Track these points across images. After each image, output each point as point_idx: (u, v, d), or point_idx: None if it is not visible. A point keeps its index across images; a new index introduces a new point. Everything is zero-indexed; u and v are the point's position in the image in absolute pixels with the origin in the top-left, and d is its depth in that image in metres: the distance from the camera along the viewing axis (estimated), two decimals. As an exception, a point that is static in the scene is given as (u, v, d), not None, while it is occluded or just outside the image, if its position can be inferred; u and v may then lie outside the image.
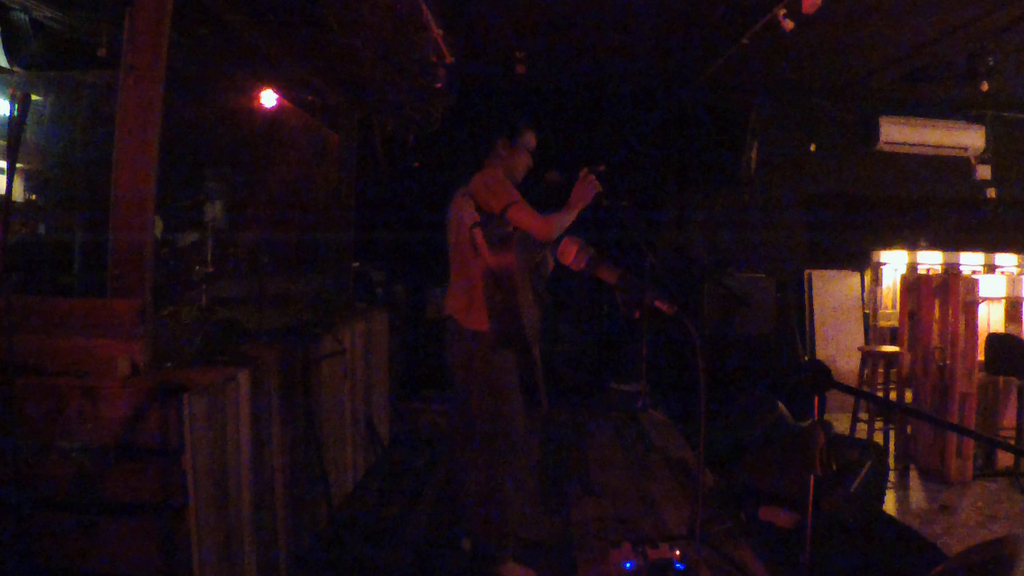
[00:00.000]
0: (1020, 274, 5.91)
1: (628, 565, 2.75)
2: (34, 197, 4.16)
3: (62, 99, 4.15)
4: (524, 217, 2.75)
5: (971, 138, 7.00)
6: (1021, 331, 4.89)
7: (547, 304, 3.23)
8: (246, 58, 4.13)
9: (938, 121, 6.96)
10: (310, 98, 4.79)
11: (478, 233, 2.79)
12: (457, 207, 2.89)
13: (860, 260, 6.92)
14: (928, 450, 4.69)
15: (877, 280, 6.74)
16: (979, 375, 4.63)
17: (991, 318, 4.86)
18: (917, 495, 4.39)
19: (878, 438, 5.05)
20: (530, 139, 3.02)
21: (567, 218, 2.81)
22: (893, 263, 6.72)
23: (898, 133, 6.90)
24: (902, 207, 7.12)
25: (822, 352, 6.79)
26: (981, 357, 4.63)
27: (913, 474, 4.72)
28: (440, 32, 4.09)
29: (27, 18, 4.05)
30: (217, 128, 4.55)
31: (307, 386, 3.00)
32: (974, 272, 6.44)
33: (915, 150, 7.05)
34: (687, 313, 2.21)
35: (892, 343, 6.05)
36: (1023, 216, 7.15)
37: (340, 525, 3.30)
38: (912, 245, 6.83)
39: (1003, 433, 4.74)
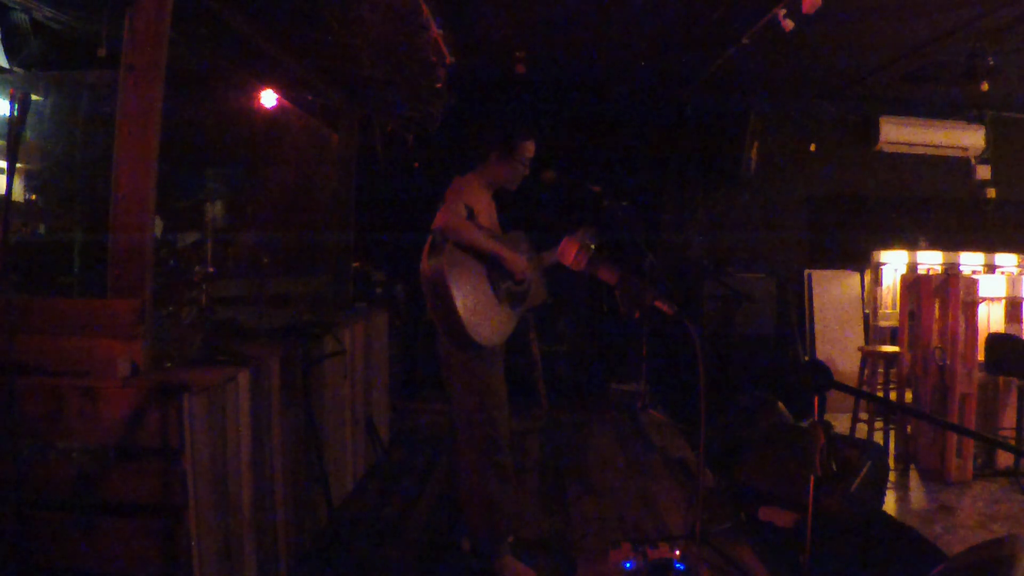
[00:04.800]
0: (1020, 274, 5.90)
1: (628, 565, 2.75)
2: (34, 197, 4.16)
3: (62, 99, 4.14)
4: (440, 212, 2.72)
5: (971, 138, 7.00)
6: (1021, 331, 4.88)
7: (544, 306, 3.22)
8: (246, 58, 4.13)
9: (938, 121, 6.96)
10: (310, 98, 4.79)
11: (429, 239, 2.81)
12: None
13: (860, 260, 6.92)
14: (928, 450, 4.69)
15: (877, 280, 6.74)
16: (979, 375, 4.62)
17: (991, 318, 4.86)
18: (917, 495, 4.39)
19: (878, 438, 5.05)
20: (527, 149, 2.99)
21: (484, 245, 2.76)
22: (893, 263, 6.72)
23: (898, 133, 6.90)
24: (902, 207, 7.12)
25: (822, 352, 6.79)
26: (981, 357, 4.63)
27: (913, 474, 4.71)
28: (440, 32, 4.09)
29: (27, 18, 4.05)
30: (217, 128, 4.55)
31: (307, 386, 3.00)
32: (974, 272, 6.44)
33: (915, 150, 7.05)
34: (687, 313, 2.21)
35: (892, 343, 6.04)
36: (1023, 216, 7.15)
37: (340, 525, 3.30)
38: (912, 245, 6.83)
39: (1003, 433, 4.74)
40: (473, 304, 2.71)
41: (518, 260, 2.85)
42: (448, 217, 2.71)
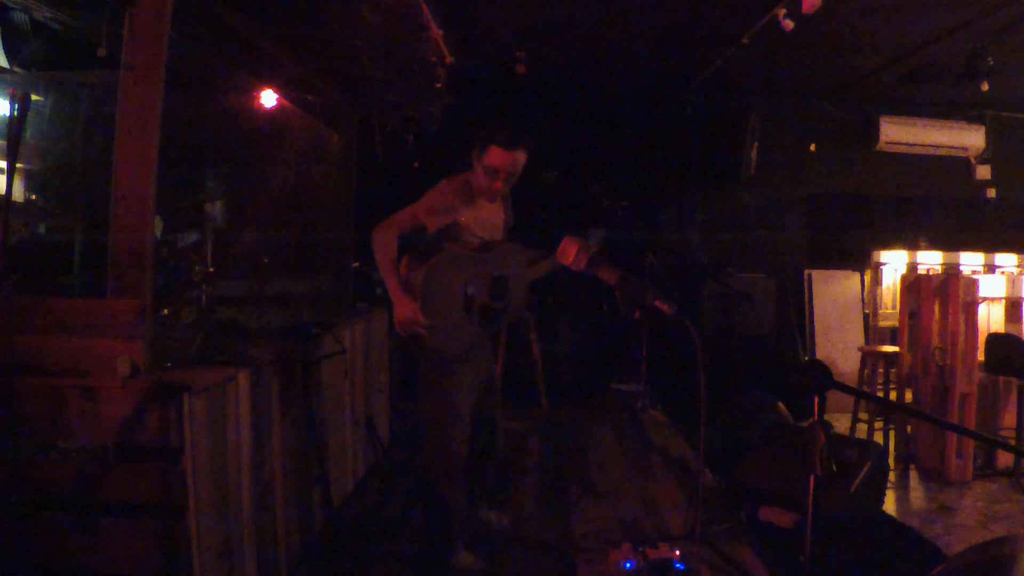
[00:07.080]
0: (1020, 274, 5.90)
1: (628, 565, 2.75)
2: (34, 197, 4.16)
3: (62, 99, 4.14)
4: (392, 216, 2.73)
5: (971, 138, 7.00)
6: (1021, 331, 4.88)
7: (544, 306, 3.21)
8: (246, 58, 4.12)
9: (938, 121, 6.96)
10: (310, 98, 4.79)
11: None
12: None
13: (860, 260, 6.92)
14: (928, 450, 4.69)
15: (877, 280, 6.74)
16: (979, 375, 4.62)
17: (991, 318, 4.86)
18: (917, 495, 4.39)
19: (878, 438, 5.05)
20: (492, 158, 2.73)
21: (386, 275, 2.72)
22: (893, 263, 6.73)
23: (898, 133, 6.90)
24: (902, 207, 7.12)
25: (822, 352, 6.79)
26: (981, 357, 4.63)
27: (913, 474, 4.71)
28: (440, 32, 4.10)
29: (27, 18, 4.05)
30: (217, 128, 4.55)
31: (307, 386, 3.00)
32: (974, 272, 6.44)
33: (915, 150, 7.05)
34: (687, 313, 2.21)
35: (892, 343, 6.05)
36: (1023, 216, 7.16)
37: (340, 525, 3.30)
38: (912, 245, 6.83)
39: (1003, 433, 4.74)
40: (439, 316, 2.68)
41: (402, 310, 2.65)
42: (382, 226, 2.73)
